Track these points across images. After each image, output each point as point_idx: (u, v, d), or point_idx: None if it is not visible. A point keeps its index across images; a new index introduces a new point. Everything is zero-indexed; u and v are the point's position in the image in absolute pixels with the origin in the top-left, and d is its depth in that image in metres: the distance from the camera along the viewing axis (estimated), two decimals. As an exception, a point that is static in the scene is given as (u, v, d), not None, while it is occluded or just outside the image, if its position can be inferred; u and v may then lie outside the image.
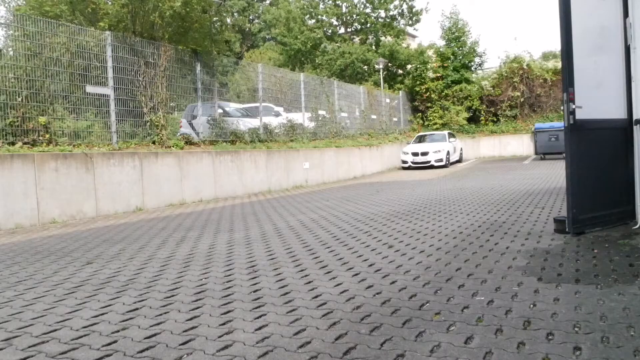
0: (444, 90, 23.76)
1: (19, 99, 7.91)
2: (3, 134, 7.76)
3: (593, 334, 2.33)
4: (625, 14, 4.69)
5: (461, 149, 20.81)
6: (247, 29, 33.07)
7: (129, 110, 9.57)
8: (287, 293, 3.26)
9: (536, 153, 19.45)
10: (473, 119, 24.01)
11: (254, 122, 12.95)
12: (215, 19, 13.21)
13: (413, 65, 24.88)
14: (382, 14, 26.70)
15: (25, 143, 7.85)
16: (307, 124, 15.12)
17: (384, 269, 3.78)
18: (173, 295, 3.35)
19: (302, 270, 3.86)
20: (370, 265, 3.93)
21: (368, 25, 26.74)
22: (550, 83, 22.17)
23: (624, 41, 4.72)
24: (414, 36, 34.68)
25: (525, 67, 22.59)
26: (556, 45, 32.30)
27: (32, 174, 7.32)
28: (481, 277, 3.41)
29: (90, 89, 8.97)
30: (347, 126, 17.60)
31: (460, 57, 24.24)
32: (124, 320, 2.89)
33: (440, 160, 17.74)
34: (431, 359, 2.16)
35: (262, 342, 2.45)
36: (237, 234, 5.79)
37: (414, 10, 26.24)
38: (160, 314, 2.97)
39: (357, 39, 27.83)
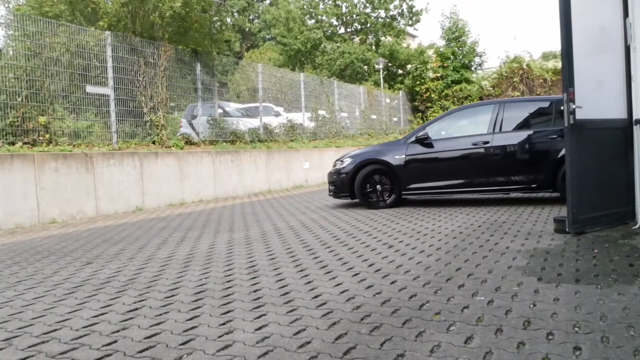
0: (444, 90, 23.74)
1: (19, 99, 7.90)
2: (3, 134, 7.75)
3: (593, 334, 2.33)
4: (625, 14, 4.69)
5: None
6: (247, 29, 33.06)
7: (129, 110, 9.56)
8: (287, 293, 3.26)
9: None
10: (473, 119, 23.98)
11: (254, 122, 12.94)
12: (215, 19, 13.21)
13: (413, 65, 24.87)
14: (382, 14, 26.73)
15: (25, 143, 7.84)
16: (307, 124, 15.11)
17: (384, 269, 3.78)
18: (173, 295, 3.35)
19: (302, 270, 3.86)
20: (370, 265, 3.93)
21: (368, 25, 26.75)
22: (550, 83, 22.13)
23: (624, 41, 4.72)
24: (414, 36, 34.70)
25: (525, 67, 22.54)
26: (556, 45, 32.28)
27: (32, 174, 7.32)
28: (481, 277, 3.41)
29: (90, 89, 8.96)
30: (347, 126, 17.59)
31: (460, 57, 24.21)
32: (124, 320, 2.89)
33: (441, 160, 17.70)
34: (431, 359, 2.16)
35: (262, 342, 2.45)
36: (237, 234, 5.79)
37: (414, 10, 26.26)
38: (160, 314, 2.97)
39: (357, 39, 27.84)
